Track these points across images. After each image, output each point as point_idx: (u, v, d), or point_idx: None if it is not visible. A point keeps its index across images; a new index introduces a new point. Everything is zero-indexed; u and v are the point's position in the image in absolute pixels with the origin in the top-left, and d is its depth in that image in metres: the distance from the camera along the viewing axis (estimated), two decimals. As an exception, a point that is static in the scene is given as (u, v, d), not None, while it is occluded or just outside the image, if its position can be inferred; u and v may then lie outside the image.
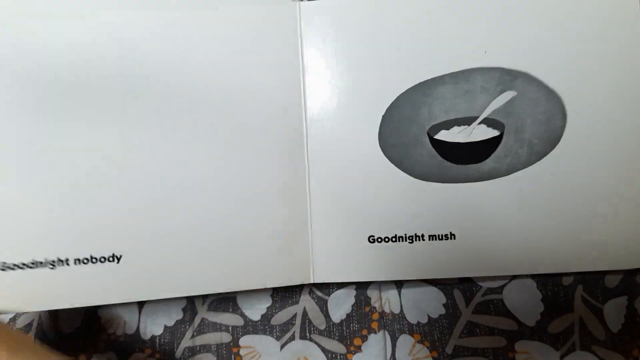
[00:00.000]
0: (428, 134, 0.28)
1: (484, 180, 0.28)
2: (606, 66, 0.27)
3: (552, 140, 0.27)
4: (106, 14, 0.26)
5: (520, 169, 0.27)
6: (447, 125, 0.28)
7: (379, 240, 0.28)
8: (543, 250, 0.27)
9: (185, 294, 0.27)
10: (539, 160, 0.27)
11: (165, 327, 0.29)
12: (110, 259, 0.25)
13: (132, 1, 0.26)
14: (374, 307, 0.30)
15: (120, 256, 0.25)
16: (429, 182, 0.28)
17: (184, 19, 0.26)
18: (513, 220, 0.27)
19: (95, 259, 0.25)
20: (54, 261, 0.24)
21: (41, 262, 0.24)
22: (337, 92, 0.28)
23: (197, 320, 0.29)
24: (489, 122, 0.28)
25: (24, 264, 0.24)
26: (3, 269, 0.24)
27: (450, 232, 0.28)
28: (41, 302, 0.24)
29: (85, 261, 0.25)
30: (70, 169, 0.25)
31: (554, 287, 0.29)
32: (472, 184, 0.28)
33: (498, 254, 0.27)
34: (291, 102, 0.28)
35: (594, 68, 0.27)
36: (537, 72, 0.27)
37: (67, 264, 0.25)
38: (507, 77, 0.27)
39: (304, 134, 0.28)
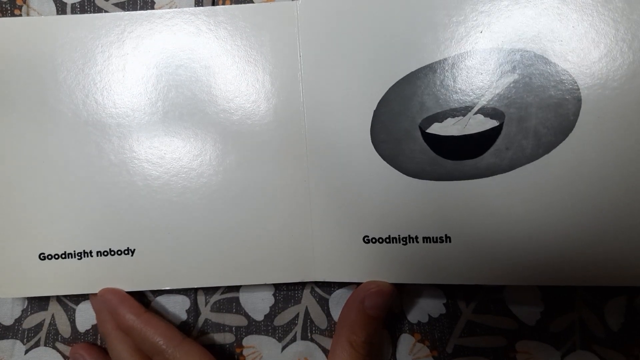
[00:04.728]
0: (420, 128, 0.26)
1: (482, 177, 0.25)
2: (630, 39, 0.22)
3: (563, 128, 0.23)
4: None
5: (524, 164, 0.24)
6: (440, 117, 0.25)
7: (373, 240, 0.27)
8: (549, 259, 0.24)
9: (191, 286, 0.29)
10: (547, 152, 0.24)
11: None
12: (126, 252, 0.28)
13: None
14: (374, 307, 0.29)
15: (134, 250, 0.28)
16: (422, 180, 0.26)
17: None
18: (515, 222, 0.24)
19: (114, 251, 0.29)
20: (80, 253, 0.29)
21: (71, 254, 0.29)
22: (332, 90, 0.27)
23: (200, 321, 0.30)
24: (486, 111, 0.24)
25: (57, 255, 0.29)
26: (42, 259, 0.29)
27: (446, 235, 0.25)
28: (69, 287, 0.29)
29: (105, 253, 0.29)
30: (94, 177, 0.29)
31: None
32: (468, 181, 0.25)
33: (497, 261, 0.24)
34: (292, 101, 0.28)
35: (614, 41, 0.22)
36: (544, 49, 0.23)
37: (91, 255, 0.29)
38: (508, 58, 0.24)
39: (304, 133, 0.28)
